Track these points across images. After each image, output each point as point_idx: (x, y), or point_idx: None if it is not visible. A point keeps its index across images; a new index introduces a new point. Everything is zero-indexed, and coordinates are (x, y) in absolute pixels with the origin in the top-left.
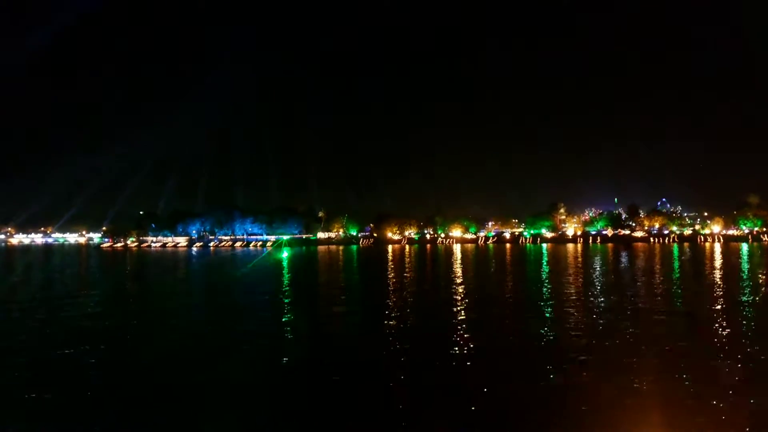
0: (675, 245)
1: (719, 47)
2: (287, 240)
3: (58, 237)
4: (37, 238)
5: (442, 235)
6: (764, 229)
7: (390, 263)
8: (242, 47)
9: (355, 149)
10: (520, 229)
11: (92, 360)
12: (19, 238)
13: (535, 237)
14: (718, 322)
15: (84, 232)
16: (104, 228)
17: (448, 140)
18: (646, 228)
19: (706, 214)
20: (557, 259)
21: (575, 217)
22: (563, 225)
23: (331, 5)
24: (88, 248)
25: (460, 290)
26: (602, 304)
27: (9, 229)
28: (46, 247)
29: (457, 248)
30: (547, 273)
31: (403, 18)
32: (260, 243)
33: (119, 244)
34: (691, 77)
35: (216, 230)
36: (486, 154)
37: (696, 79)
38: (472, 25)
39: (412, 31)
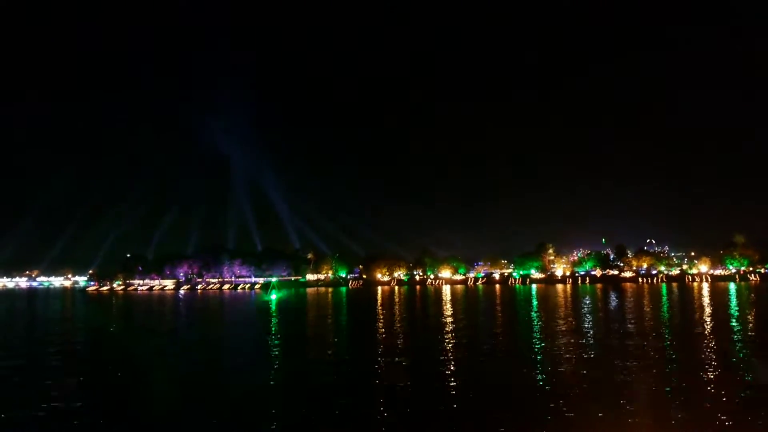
0: (663, 285)
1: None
2: (276, 282)
3: (43, 280)
4: (22, 282)
5: (432, 276)
6: (751, 269)
7: (380, 308)
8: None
9: (345, 190)
10: (509, 270)
11: None
12: (2, 282)
13: (524, 278)
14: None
15: (69, 275)
16: (90, 271)
17: (438, 181)
18: (634, 268)
19: (693, 253)
20: (549, 301)
21: (564, 257)
22: (552, 265)
23: (328, 56)
24: (73, 292)
25: (457, 342)
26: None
27: None
28: (30, 291)
29: (446, 289)
30: (538, 317)
31: (397, 68)
32: (248, 285)
33: (105, 288)
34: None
35: (204, 273)
36: (474, 195)
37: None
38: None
39: (398, 75)
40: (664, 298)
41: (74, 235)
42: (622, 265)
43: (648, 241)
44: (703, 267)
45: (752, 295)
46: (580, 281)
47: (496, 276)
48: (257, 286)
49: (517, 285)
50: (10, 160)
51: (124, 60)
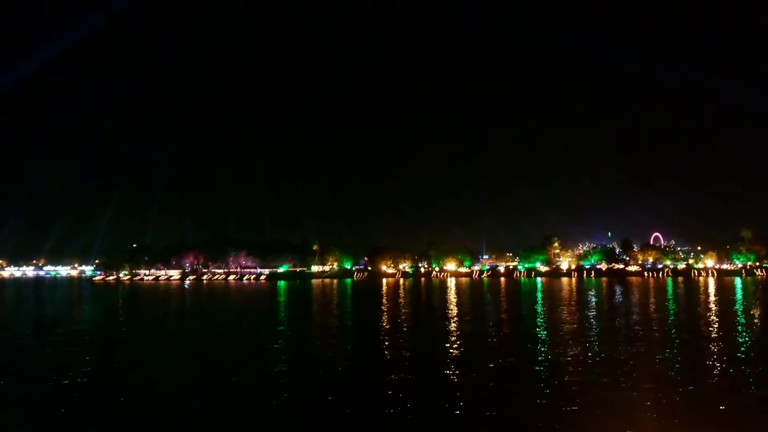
0: (669, 279)
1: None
2: (281, 273)
3: (50, 270)
4: (29, 271)
5: (437, 269)
6: (757, 264)
7: (386, 302)
8: (239, 83)
9: (351, 183)
10: (515, 263)
11: None
12: (10, 271)
13: (529, 271)
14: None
15: (76, 265)
16: (97, 261)
17: (443, 174)
18: (640, 262)
19: (699, 248)
20: (553, 294)
21: (569, 251)
22: (557, 259)
23: (326, 51)
24: (80, 281)
25: (461, 334)
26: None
27: (0, 261)
28: (37, 280)
29: (451, 282)
30: (543, 309)
31: (397, 60)
32: (254, 276)
33: (111, 277)
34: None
35: (209, 263)
36: (481, 187)
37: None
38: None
39: (406, 70)
40: (670, 293)
41: (80, 224)
42: (627, 259)
43: (654, 235)
44: (709, 262)
45: (758, 289)
46: (585, 275)
47: (501, 269)
48: (263, 277)
49: (522, 278)
50: (16, 150)
51: (125, 49)
